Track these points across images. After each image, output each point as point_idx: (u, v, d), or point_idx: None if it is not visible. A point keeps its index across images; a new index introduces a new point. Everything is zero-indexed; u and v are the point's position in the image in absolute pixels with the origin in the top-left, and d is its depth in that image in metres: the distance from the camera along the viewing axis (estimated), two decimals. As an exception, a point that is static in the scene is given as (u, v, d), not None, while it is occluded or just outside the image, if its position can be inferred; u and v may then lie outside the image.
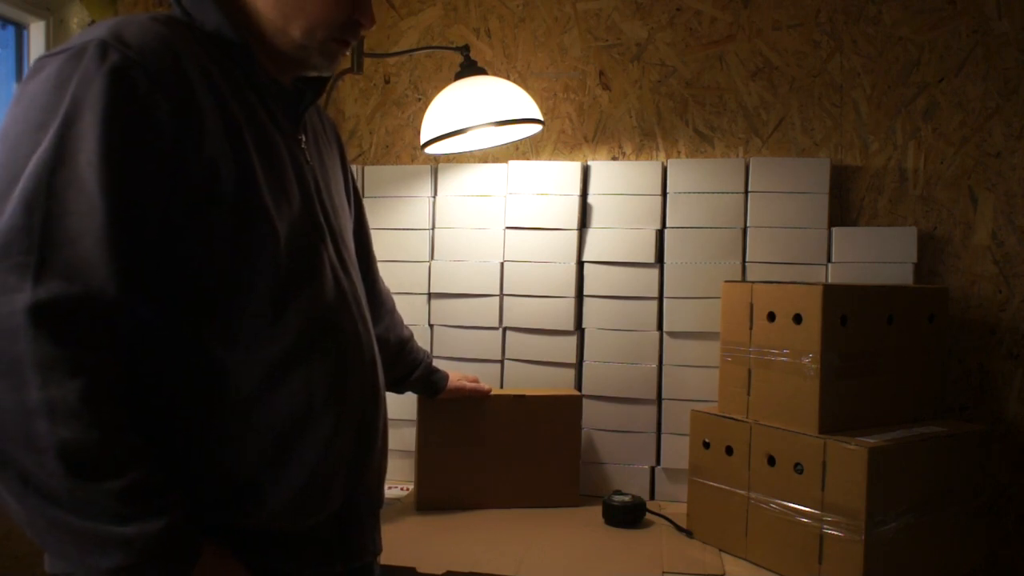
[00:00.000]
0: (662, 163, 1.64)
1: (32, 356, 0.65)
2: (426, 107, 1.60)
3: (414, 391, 1.46)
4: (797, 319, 1.25)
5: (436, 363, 1.51)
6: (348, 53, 1.62)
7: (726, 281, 1.41)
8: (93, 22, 1.30)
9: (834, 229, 1.56)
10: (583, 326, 1.65)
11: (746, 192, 1.59)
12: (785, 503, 1.24)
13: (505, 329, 1.68)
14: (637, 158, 1.78)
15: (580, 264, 1.65)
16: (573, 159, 1.81)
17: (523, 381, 1.67)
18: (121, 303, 0.70)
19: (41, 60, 0.74)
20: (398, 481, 1.69)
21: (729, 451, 1.34)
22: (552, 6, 1.81)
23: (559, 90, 1.82)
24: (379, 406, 0.94)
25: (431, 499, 1.52)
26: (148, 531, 0.67)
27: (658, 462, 1.61)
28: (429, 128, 1.55)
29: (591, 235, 1.64)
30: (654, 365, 1.60)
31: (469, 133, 1.53)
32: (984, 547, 1.39)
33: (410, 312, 1.69)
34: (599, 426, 1.63)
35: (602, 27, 1.79)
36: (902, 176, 1.66)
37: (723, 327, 1.39)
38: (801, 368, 1.25)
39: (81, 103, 0.70)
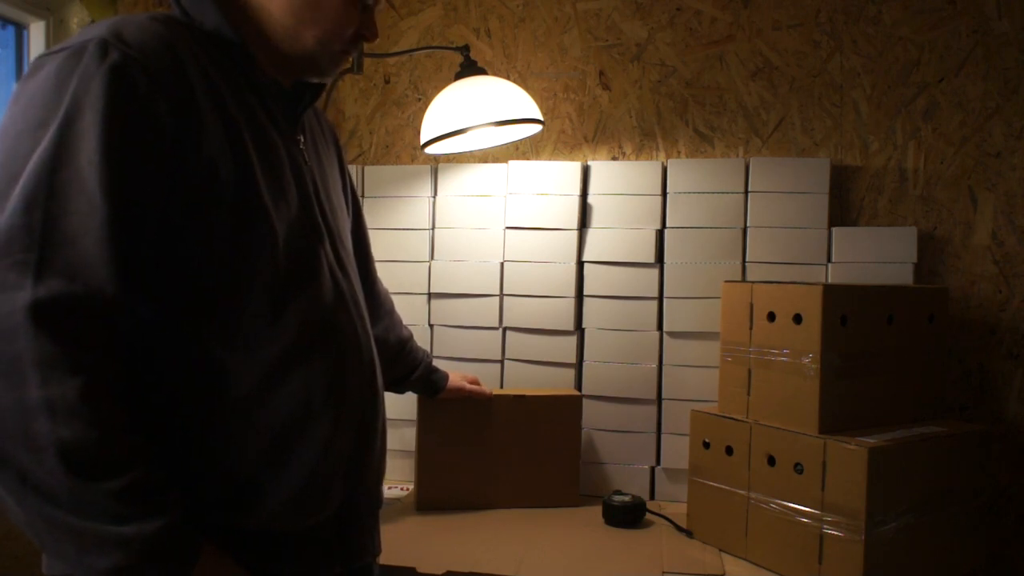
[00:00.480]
0: (662, 163, 1.64)
1: (32, 354, 0.65)
2: (426, 107, 1.60)
3: (414, 391, 1.46)
4: (797, 319, 1.25)
5: (436, 363, 1.51)
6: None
7: (726, 281, 1.41)
8: (93, 22, 1.30)
9: (834, 229, 1.56)
10: (583, 326, 1.65)
11: (746, 192, 1.59)
12: (785, 503, 1.24)
13: (505, 329, 1.68)
14: (637, 158, 1.78)
15: (580, 264, 1.65)
16: (573, 159, 1.81)
17: (523, 381, 1.67)
18: (121, 302, 0.70)
19: (40, 59, 0.74)
20: (398, 481, 1.69)
21: (729, 451, 1.34)
22: (552, 6, 1.81)
23: (559, 90, 1.82)
24: (378, 406, 0.94)
25: (431, 499, 1.52)
26: (147, 531, 0.67)
27: (658, 462, 1.61)
28: (429, 128, 1.55)
29: (591, 235, 1.64)
30: (654, 365, 1.60)
31: (469, 133, 1.53)
32: (984, 547, 1.39)
33: (410, 312, 1.69)
34: (599, 426, 1.63)
35: (602, 27, 1.79)
36: (902, 176, 1.66)
37: (723, 327, 1.39)
38: (801, 368, 1.25)
39: (81, 101, 0.70)
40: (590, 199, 1.66)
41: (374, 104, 1.91)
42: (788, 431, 1.25)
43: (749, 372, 1.34)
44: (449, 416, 1.52)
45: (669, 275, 1.60)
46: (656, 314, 1.61)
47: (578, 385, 1.65)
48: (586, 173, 1.66)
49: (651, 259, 1.61)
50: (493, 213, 1.68)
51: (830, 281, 1.54)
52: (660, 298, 1.61)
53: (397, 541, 1.32)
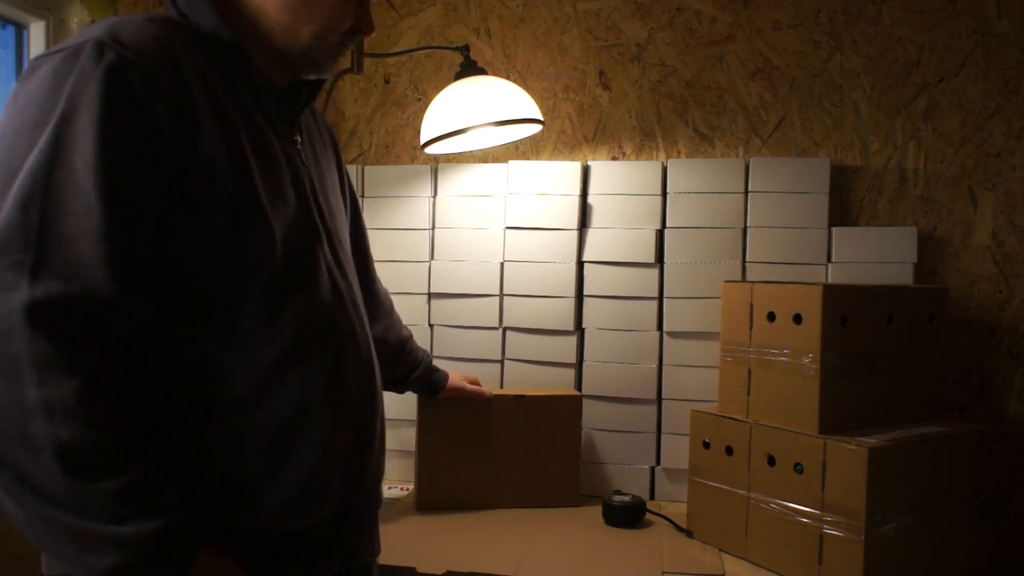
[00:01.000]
0: (662, 163, 1.64)
1: (29, 355, 0.65)
2: (426, 107, 1.60)
3: (414, 391, 1.46)
4: (797, 319, 1.25)
5: (436, 363, 1.51)
6: (348, 52, 1.63)
7: (726, 281, 1.41)
8: (93, 22, 1.30)
9: (834, 229, 1.56)
10: (583, 326, 1.65)
11: (746, 192, 1.59)
12: (785, 503, 1.24)
13: (505, 329, 1.68)
14: (637, 158, 1.78)
15: (580, 264, 1.65)
16: (573, 159, 1.81)
17: (523, 381, 1.67)
18: (117, 303, 0.70)
19: (37, 60, 0.74)
20: (398, 481, 1.69)
21: (729, 451, 1.34)
22: (552, 6, 1.81)
23: (559, 90, 1.82)
24: (376, 406, 0.94)
25: (431, 499, 1.52)
26: (145, 531, 0.67)
27: (658, 462, 1.61)
28: (429, 128, 1.55)
29: (591, 235, 1.64)
30: (654, 365, 1.60)
31: (469, 133, 1.53)
32: (984, 547, 1.39)
33: (410, 312, 1.69)
34: (599, 426, 1.63)
35: (602, 27, 1.79)
36: (902, 176, 1.66)
37: (723, 327, 1.39)
38: (801, 368, 1.25)
39: (77, 102, 0.70)
40: (590, 199, 1.66)
41: (374, 104, 1.91)
42: (788, 431, 1.25)
43: (749, 372, 1.34)
44: (449, 416, 1.52)
45: (669, 275, 1.59)
46: (656, 314, 1.61)
47: (578, 385, 1.65)
48: (586, 173, 1.66)
49: (651, 259, 1.61)
50: (493, 213, 1.68)
51: (830, 281, 1.54)
52: (660, 298, 1.61)
53: (397, 541, 1.32)
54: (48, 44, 1.33)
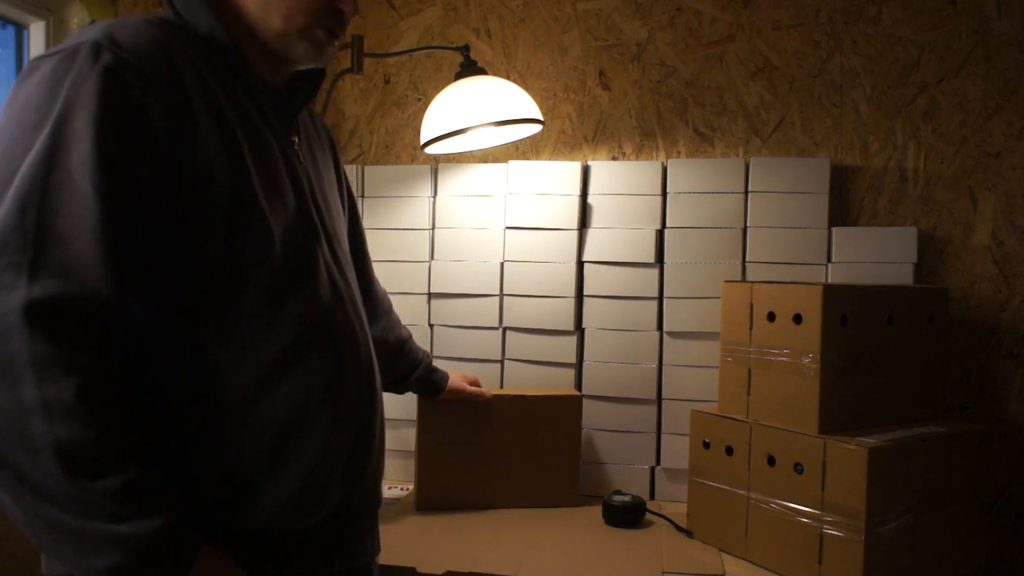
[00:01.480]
0: (662, 163, 1.64)
1: (27, 355, 0.65)
2: (426, 107, 1.60)
3: (414, 391, 1.46)
4: (797, 319, 1.25)
5: (436, 363, 1.51)
6: (348, 52, 1.63)
7: (726, 281, 1.41)
8: (93, 22, 1.30)
9: (834, 229, 1.56)
10: (583, 326, 1.65)
11: (746, 192, 1.59)
12: (785, 503, 1.24)
13: (505, 329, 1.68)
14: (637, 158, 1.78)
15: (580, 264, 1.65)
16: (573, 159, 1.81)
17: (523, 381, 1.67)
18: (115, 303, 0.70)
19: (35, 61, 0.74)
20: (398, 481, 1.69)
21: (729, 451, 1.34)
22: (552, 6, 1.81)
23: (559, 90, 1.82)
24: (376, 406, 0.94)
25: (431, 499, 1.52)
26: (144, 530, 0.67)
27: (658, 462, 1.61)
28: (429, 128, 1.55)
29: (591, 235, 1.64)
30: (654, 365, 1.60)
31: (469, 133, 1.53)
32: (984, 547, 1.39)
33: (410, 312, 1.69)
34: (599, 426, 1.63)
35: (602, 27, 1.79)
36: (902, 176, 1.66)
37: (723, 327, 1.39)
38: (801, 368, 1.25)
39: (74, 103, 0.70)
40: (590, 199, 1.66)
41: (374, 104, 1.91)
42: (788, 431, 1.25)
43: (749, 372, 1.34)
44: (449, 416, 1.52)
45: (669, 275, 1.59)
46: (656, 314, 1.61)
47: (578, 385, 1.65)
48: (586, 173, 1.66)
49: (651, 259, 1.61)
50: (493, 213, 1.68)
51: (830, 281, 1.54)
52: (660, 298, 1.61)
53: (397, 541, 1.32)
54: (48, 44, 1.33)
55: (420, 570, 1.23)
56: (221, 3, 0.85)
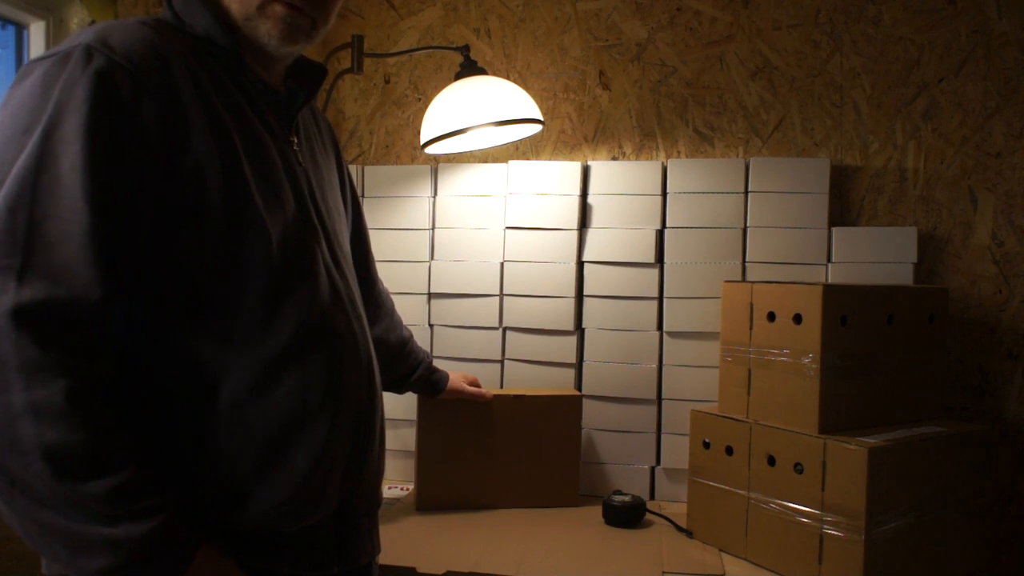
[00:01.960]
0: (662, 163, 1.64)
1: (15, 359, 0.65)
2: (426, 107, 1.60)
3: (414, 391, 1.46)
4: (797, 319, 1.25)
5: (436, 363, 1.51)
6: (348, 52, 1.63)
7: (726, 281, 1.41)
8: (93, 22, 1.31)
9: (834, 229, 1.56)
10: (583, 326, 1.65)
11: (746, 192, 1.59)
12: (785, 503, 1.24)
13: (505, 329, 1.68)
14: (637, 158, 1.78)
15: (580, 264, 1.65)
16: (573, 159, 1.81)
17: (523, 381, 1.67)
18: (106, 306, 0.70)
19: (30, 65, 0.75)
20: (398, 481, 1.69)
21: (729, 451, 1.34)
22: (552, 6, 1.81)
23: (559, 90, 1.82)
24: (376, 407, 0.94)
25: (431, 499, 1.52)
26: (136, 533, 0.67)
27: (658, 462, 1.61)
28: (429, 128, 1.55)
29: (591, 235, 1.64)
30: (654, 365, 1.60)
31: (469, 133, 1.53)
32: (984, 547, 1.39)
33: (410, 312, 1.69)
34: (599, 426, 1.63)
35: (602, 27, 1.79)
36: (902, 176, 1.66)
37: (723, 327, 1.39)
38: (801, 368, 1.25)
39: (65, 107, 0.70)
40: (590, 199, 1.66)
41: (374, 104, 1.91)
42: (788, 431, 1.25)
43: (749, 372, 1.34)
44: (449, 416, 1.52)
45: (669, 275, 1.59)
46: (656, 314, 1.61)
47: (578, 385, 1.65)
48: (586, 173, 1.66)
49: (651, 259, 1.61)
50: (493, 213, 1.68)
51: (830, 281, 1.54)
52: (660, 298, 1.61)
53: (397, 541, 1.32)
54: (48, 44, 1.33)
55: (420, 570, 1.23)
56: (219, 4, 0.85)
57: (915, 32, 1.65)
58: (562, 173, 1.65)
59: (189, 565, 0.71)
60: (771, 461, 1.27)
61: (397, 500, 1.57)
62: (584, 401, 1.60)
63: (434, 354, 1.70)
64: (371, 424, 0.92)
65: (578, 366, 1.65)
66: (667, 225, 1.61)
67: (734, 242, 1.58)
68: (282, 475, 0.81)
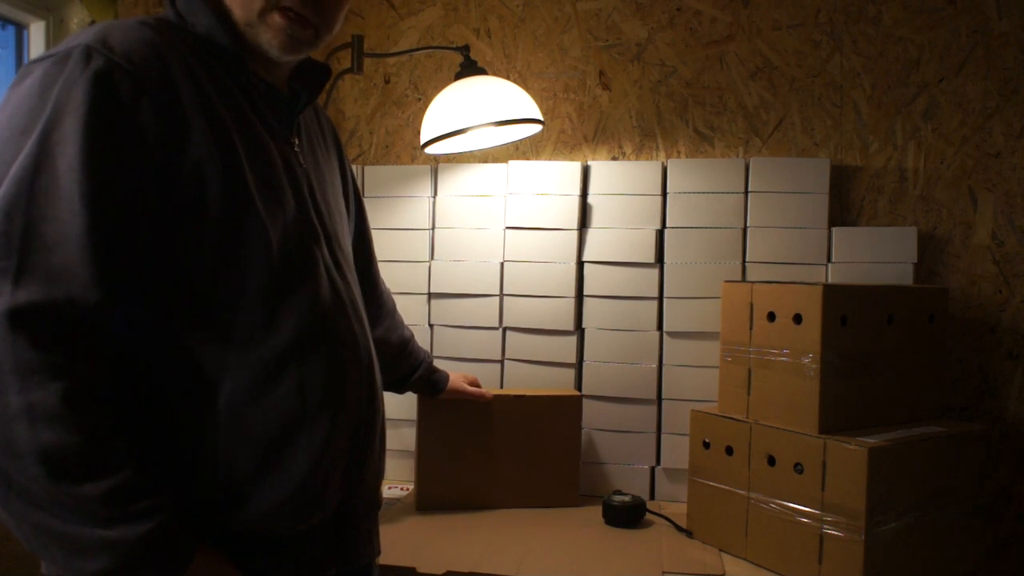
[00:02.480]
0: (662, 163, 1.64)
1: (11, 361, 0.65)
2: (426, 107, 1.60)
3: (414, 391, 1.46)
4: (797, 319, 1.25)
5: (436, 363, 1.51)
6: (348, 52, 1.63)
7: (726, 281, 1.41)
8: (93, 22, 1.30)
9: (834, 229, 1.56)
10: (583, 326, 1.65)
11: (746, 192, 1.59)
12: (785, 503, 1.24)
13: (505, 329, 1.68)
14: (637, 158, 1.78)
15: (580, 264, 1.65)
16: (573, 159, 1.81)
17: (523, 381, 1.67)
18: (103, 307, 0.70)
19: (29, 65, 0.74)
20: (398, 481, 1.69)
21: (729, 451, 1.34)
22: (552, 6, 1.81)
23: (559, 90, 1.82)
24: (376, 408, 0.94)
25: (431, 499, 1.52)
26: (132, 535, 0.67)
27: (658, 462, 1.61)
28: (429, 128, 1.55)
29: (591, 235, 1.64)
30: (654, 365, 1.60)
31: (469, 133, 1.53)
32: (984, 547, 1.39)
33: (410, 312, 1.68)
34: (599, 426, 1.63)
35: (602, 27, 1.79)
36: (902, 176, 1.66)
37: (723, 327, 1.39)
38: (801, 368, 1.24)
39: (63, 108, 0.70)
40: (590, 199, 1.66)
41: (374, 104, 1.91)
42: (788, 431, 1.25)
43: (749, 372, 1.34)
44: (449, 416, 1.52)
45: (669, 275, 1.59)
46: (656, 314, 1.61)
47: (578, 385, 1.65)
48: (586, 173, 1.66)
49: (651, 259, 1.61)
50: (493, 213, 1.68)
51: (830, 281, 1.54)
52: (660, 298, 1.61)
53: (397, 541, 1.32)
54: (48, 44, 1.33)
55: (420, 570, 1.23)
56: (221, 4, 0.85)
57: (915, 32, 1.65)
58: (562, 173, 1.65)
59: (187, 567, 0.71)
60: (771, 461, 1.27)
61: (397, 500, 1.57)
62: (584, 401, 1.60)
63: (434, 354, 1.70)
64: (371, 424, 0.92)
65: (578, 366, 1.65)
66: (667, 225, 1.61)
67: (734, 242, 1.58)
68: (282, 476, 0.81)
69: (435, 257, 1.71)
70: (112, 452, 0.69)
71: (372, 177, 1.75)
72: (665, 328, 1.60)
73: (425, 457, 1.52)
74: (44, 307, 0.67)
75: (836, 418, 1.24)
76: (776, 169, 1.58)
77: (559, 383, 1.65)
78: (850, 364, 1.25)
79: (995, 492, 1.60)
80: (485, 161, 1.80)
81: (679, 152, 1.76)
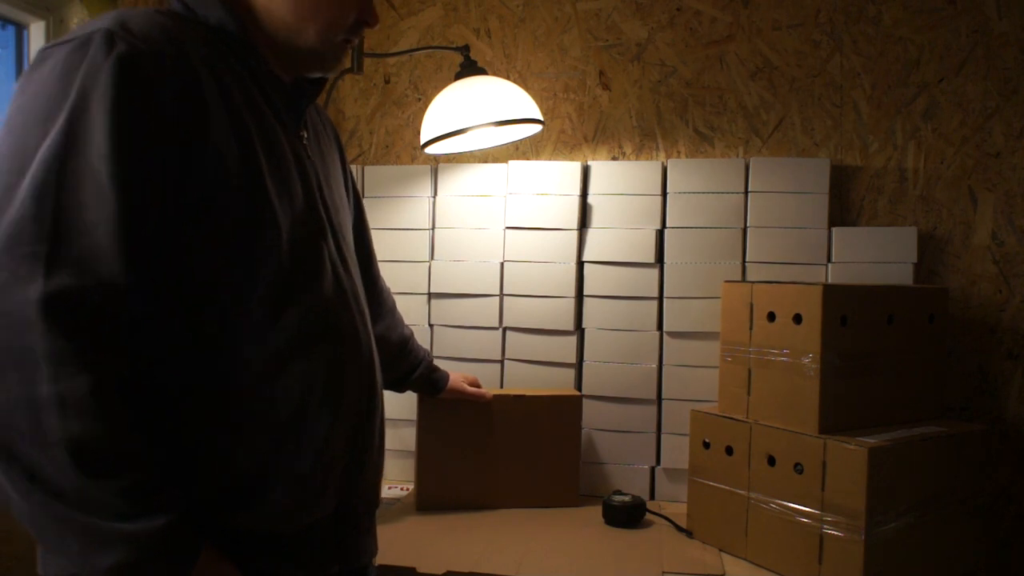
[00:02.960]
0: (662, 163, 1.64)
1: (43, 349, 0.65)
2: (426, 107, 1.60)
3: (414, 390, 1.46)
4: (797, 319, 1.25)
5: (436, 363, 1.51)
6: (349, 52, 1.63)
7: (726, 281, 1.41)
8: (93, 22, 1.30)
9: (834, 229, 1.56)
10: (583, 326, 1.65)
11: (746, 192, 1.59)
12: (785, 503, 1.24)
13: (505, 329, 1.68)
14: (637, 158, 1.78)
15: (580, 264, 1.65)
16: (573, 159, 1.81)
17: (523, 381, 1.67)
18: (132, 295, 0.70)
19: (45, 51, 0.74)
20: (398, 481, 1.69)
21: (729, 451, 1.34)
22: (552, 6, 1.81)
23: (559, 90, 1.82)
24: (376, 405, 0.94)
25: (431, 499, 1.52)
26: (150, 528, 0.67)
27: (658, 462, 1.61)
28: (429, 128, 1.55)
29: (591, 235, 1.64)
30: (654, 365, 1.60)
31: (469, 133, 1.53)
32: (984, 547, 1.39)
33: (410, 312, 1.68)
34: (599, 426, 1.63)
35: (602, 27, 1.79)
36: (902, 176, 1.66)
37: (723, 327, 1.39)
38: (801, 368, 1.25)
39: (89, 93, 0.69)
40: (590, 199, 1.66)
41: (374, 104, 1.91)
42: (788, 431, 1.25)
43: (749, 372, 1.34)
44: (449, 416, 1.52)
45: (669, 275, 1.59)
46: (656, 314, 1.61)
47: (578, 385, 1.65)
48: (586, 173, 1.66)
49: (651, 259, 1.61)
50: (493, 213, 1.68)
51: (830, 281, 1.54)
52: (660, 298, 1.61)
53: (397, 541, 1.32)
54: (48, 44, 1.33)
55: (420, 570, 1.23)
56: None
57: (915, 32, 1.65)
58: (562, 173, 1.65)
59: (196, 562, 0.71)
60: (771, 461, 1.27)
61: (397, 500, 1.57)
62: (584, 401, 1.60)
63: (434, 354, 1.70)
64: (371, 423, 0.92)
65: (578, 366, 1.65)
66: (667, 225, 1.61)
67: (734, 242, 1.58)
68: (283, 473, 0.81)
69: (435, 257, 1.71)
70: (135, 445, 0.69)
71: (372, 177, 1.75)
72: (665, 328, 1.60)
73: (425, 457, 1.52)
74: (76, 293, 0.66)
75: (836, 418, 1.24)
76: (776, 169, 1.58)
77: (559, 383, 1.65)
78: (850, 364, 1.25)
79: (995, 492, 1.60)
80: (485, 161, 1.80)
81: (679, 152, 1.76)
